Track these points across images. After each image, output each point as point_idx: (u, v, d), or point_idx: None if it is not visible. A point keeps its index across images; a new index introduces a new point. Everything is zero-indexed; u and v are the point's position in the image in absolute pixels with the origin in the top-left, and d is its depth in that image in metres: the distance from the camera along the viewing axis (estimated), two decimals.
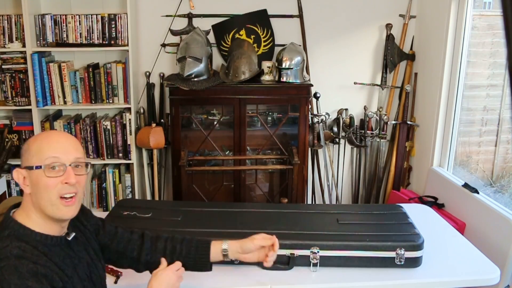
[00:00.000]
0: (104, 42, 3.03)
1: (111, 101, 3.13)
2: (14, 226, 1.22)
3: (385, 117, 3.32)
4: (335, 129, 3.38)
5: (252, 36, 3.22)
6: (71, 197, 1.26)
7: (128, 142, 3.12)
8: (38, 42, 3.00)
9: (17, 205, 1.31)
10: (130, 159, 3.13)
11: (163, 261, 1.44)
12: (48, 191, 1.23)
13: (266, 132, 3.12)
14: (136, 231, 1.57)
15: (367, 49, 3.37)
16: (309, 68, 3.29)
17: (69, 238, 1.32)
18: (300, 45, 3.18)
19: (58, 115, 3.23)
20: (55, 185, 1.23)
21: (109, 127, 3.12)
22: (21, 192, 3.17)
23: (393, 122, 3.41)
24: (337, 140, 3.42)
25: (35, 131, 3.06)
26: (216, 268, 1.73)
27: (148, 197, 3.28)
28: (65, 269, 1.25)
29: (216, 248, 1.55)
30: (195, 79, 2.93)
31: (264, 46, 3.24)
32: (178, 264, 1.45)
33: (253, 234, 1.82)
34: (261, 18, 3.21)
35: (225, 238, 1.58)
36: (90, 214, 1.51)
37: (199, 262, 1.55)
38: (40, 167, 1.22)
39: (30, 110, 3.04)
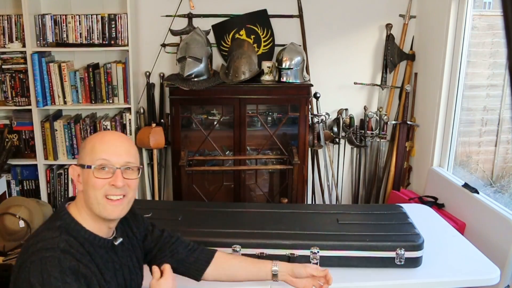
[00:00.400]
0: (104, 42, 3.03)
1: (111, 101, 3.13)
2: (66, 219, 1.23)
3: (385, 117, 3.32)
4: (335, 129, 3.38)
5: (252, 36, 3.22)
6: (118, 199, 1.27)
7: None
8: (38, 42, 3.00)
9: (73, 198, 1.32)
10: None
11: (156, 270, 1.35)
12: (95, 190, 1.24)
13: (266, 132, 3.12)
14: (179, 236, 1.54)
15: (367, 49, 3.37)
16: (309, 68, 3.29)
17: (116, 243, 1.32)
18: (300, 45, 3.18)
19: (58, 115, 3.23)
20: (102, 186, 1.24)
21: (109, 127, 3.12)
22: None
23: (393, 122, 3.41)
24: (337, 140, 3.42)
25: (35, 131, 3.06)
26: None
27: (148, 197, 3.28)
28: (105, 273, 1.25)
29: (266, 268, 1.49)
30: (195, 79, 2.93)
31: (264, 46, 3.24)
32: (168, 267, 1.37)
33: (253, 234, 1.83)
34: (261, 18, 3.21)
35: (227, 239, 1.58)
36: (141, 220, 1.49)
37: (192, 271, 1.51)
38: (90, 167, 1.24)
39: (30, 110, 3.04)
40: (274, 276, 1.48)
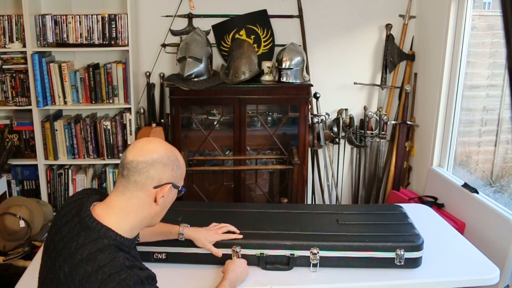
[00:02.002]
0: (104, 42, 3.03)
1: (111, 101, 3.13)
2: (111, 235, 1.21)
3: (385, 117, 3.32)
4: (335, 129, 3.38)
5: (252, 36, 3.22)
6: None
7: (128, 142, 3.12)
8: (38, 42, 3.01)
9: (86, 200, 1.28)
10: None
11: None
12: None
13: (266, 132, 3.12)
14: None
15: (367, 49, 3.38)
16: (309, 68, 3.30)
17: (139, 239, 1.46)
18: (300, 45, 3.18)
19: (58, 115, 3.23)
20: None
21: (109, 127, 3.12)
22: (21, 192, 3.17)
23: (393, 122, 3.41)
24: (337, 140, 3.42)
25: (35, 131, 3.06)
26: (216, 268, 1.74)
27: None
28: None
29: (174, 229, 1.77)
30: (195, 79, 2.94)
31: (264, 46, 3.24)
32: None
33: (253, 234, 1.83)
34: (261, 18, 3.21)
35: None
36: None
37: None
38: (179, 188, 1.33)
39: (30, 110, 3.04)
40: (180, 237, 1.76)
